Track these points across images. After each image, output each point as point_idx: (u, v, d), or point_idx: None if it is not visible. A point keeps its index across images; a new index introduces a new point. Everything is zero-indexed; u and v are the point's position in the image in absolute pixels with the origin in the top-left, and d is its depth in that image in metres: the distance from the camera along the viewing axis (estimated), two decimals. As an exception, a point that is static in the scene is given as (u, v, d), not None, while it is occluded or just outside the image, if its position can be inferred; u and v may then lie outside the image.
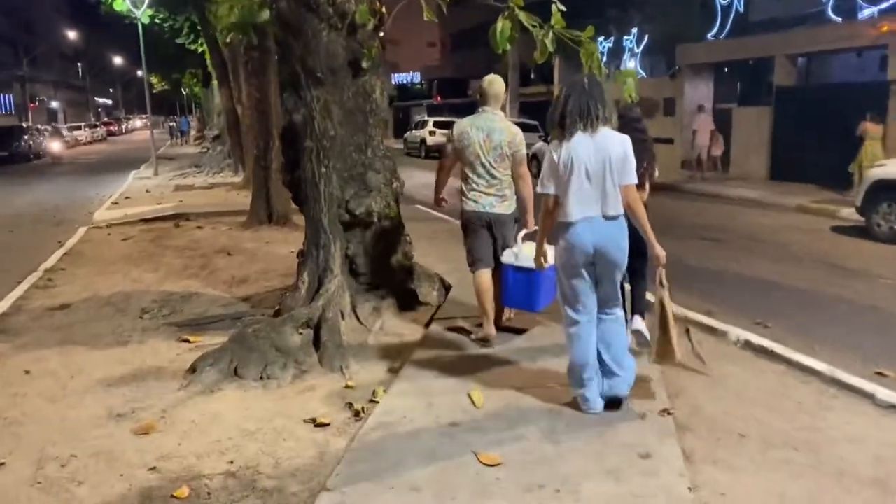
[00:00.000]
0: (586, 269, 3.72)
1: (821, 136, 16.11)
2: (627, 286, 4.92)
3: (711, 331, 5.48)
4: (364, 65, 5.45)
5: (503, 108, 5.15)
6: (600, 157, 3.61)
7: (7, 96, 50.15)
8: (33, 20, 54.04)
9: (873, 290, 7.12)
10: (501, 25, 5.05)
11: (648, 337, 4.68)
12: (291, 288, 5.71)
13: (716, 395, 4.31)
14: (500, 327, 5.21)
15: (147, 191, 16.47)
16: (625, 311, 4.09)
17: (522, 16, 5.11)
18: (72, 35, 58.89)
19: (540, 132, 22.64)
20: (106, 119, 68.42)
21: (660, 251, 3.86)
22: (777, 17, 20.03)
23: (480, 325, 5.16)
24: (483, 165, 4.88)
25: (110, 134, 59.26)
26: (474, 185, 4.92)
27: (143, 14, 19.44)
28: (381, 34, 5.65)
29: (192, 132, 43.67)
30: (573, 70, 28.61)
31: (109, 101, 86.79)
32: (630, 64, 25.09)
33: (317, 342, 5.03)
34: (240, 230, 10.38)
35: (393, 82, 60.00)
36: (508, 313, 5.46)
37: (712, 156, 18.63)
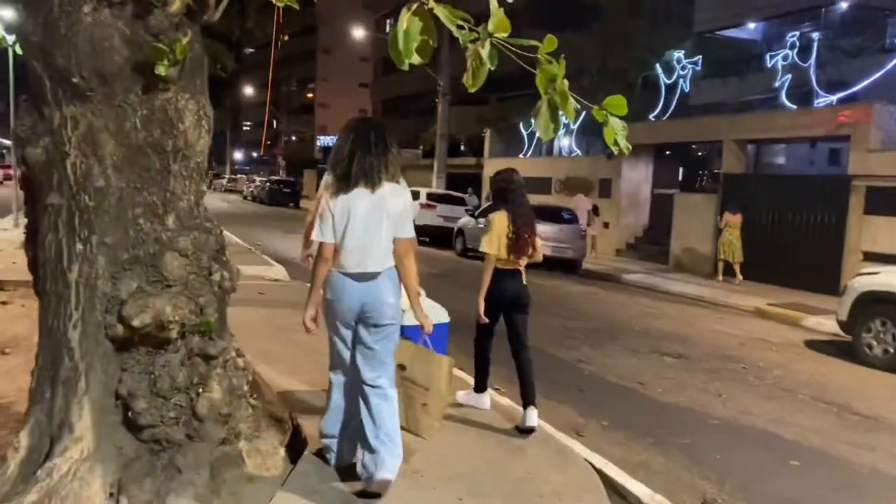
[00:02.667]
0: (350, 327, 3.58)
1: (773, 229, 14.64)
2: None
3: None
4: (161, 71, 3.10)
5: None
6: (378, 209, 3.50)
7: None
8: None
9: (920, 459, 5.05)
10: (407, 24, 2.87)
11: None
12: None
13: None
14: None
15: (-3, 248, 13.52)
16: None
17: (442, 11, 2.93)
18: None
19: (467, 206, 20.67)
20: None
21: (428, 323, 3.81)
22: (722, 101, 18.94)
23: None
24: None
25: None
26: None
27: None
28: (205, 24, 3.35)
29: None
30: (504, 144, 27.30)
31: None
32: (565, 142, 23.69)
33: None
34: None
35: (318, 144, 57.94)
36: None
37: (591, 236, 17.48)
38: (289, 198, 38.94)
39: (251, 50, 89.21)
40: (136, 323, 3.25)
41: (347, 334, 3.60)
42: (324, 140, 55.44)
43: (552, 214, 16.24)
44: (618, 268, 16.66)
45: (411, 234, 3.58)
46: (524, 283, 4.80)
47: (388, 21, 48.31)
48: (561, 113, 3.15)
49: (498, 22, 2.90)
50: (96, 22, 3.03)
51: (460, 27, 2.94)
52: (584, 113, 17.83)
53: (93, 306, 3.24)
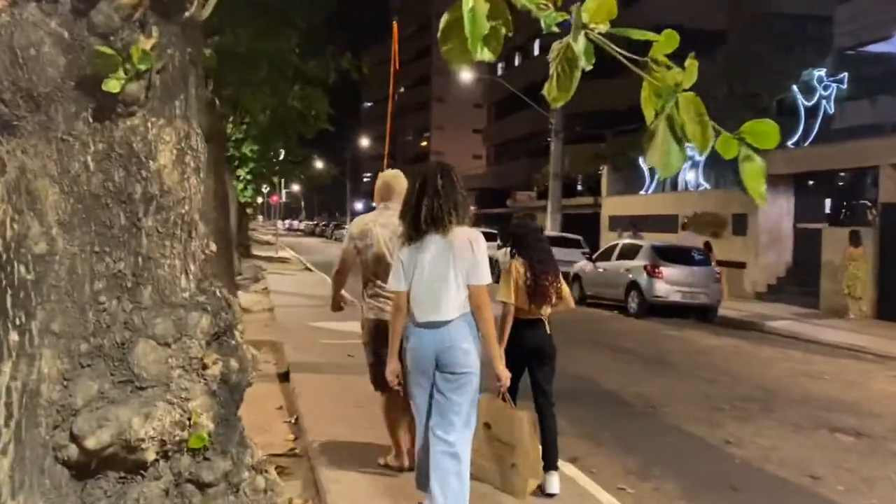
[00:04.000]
0: (428, 376, 3.43)
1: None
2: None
3: None
4: (112, 87, 2.20)
5: None
6: (446, 255, 3.40)
7: None
8: None
9: None
10: (472, 4, 1.89)
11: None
12: None
13: None
14: None
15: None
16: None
17: (517, -14, 1.91)
18: None
19: (584, 248, 19.31)
20: None
21: (504, 372, 3.64)
22: (873, 123, 16.78)
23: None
24: (387, 268, 4.03)
25: None
26: (378, 291, 4.30)
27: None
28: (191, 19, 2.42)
29: None
30: (623, 181, 25.79)
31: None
32: (690, 176, 21.90)
33: None
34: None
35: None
36: None
37: None
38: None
39: (370, 104, 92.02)
40: (89, 444, 2.31)
41: (426, 384, 3.47)
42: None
43: (681, 255, 14.65)
44: (759, 313, 14.75)
45: (486, 279, 3.43)
46: (548, 333, 4.52)
47: (499, 65, 48.17)
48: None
49: (599, 4, 1.88)
50: (17, 21, 2.15)
51: (543, 6, 1.94)
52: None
53: (34, 420, 2.31)
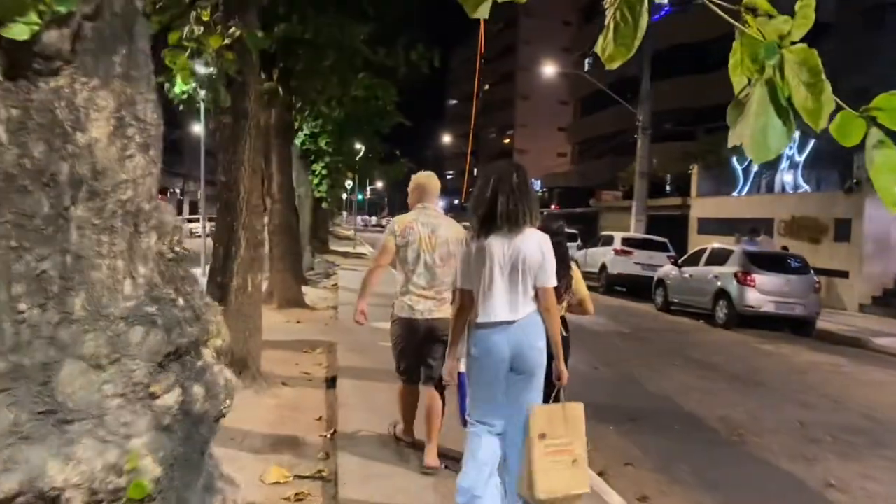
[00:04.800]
0: (501, 374, 3.38)
1: None
2: None
3: None
4: (17, 34, 1.69)
5: None
6: (515, 256, 3.39)
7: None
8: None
9: None
10: None
11: None
12: None
13: None
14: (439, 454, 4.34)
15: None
16: None
17: None
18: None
19: (670, 251, 18.19)
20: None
21: (565, 372, 3.54)
22: None
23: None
24: (426, 264, 4.42)
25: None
26: (412, 288, 4.42)
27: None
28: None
29: None
30: (714, 181, 24.27)
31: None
32: (788, 177, 20.40)
33: None
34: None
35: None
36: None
37: None
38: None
39: (454, 101, 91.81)
40: (-10, 494, 1.81)
41: (500, 385, 3.40)
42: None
43: (776, 262, 13.47)
44: (864, 328, 13.42)
45: (553, 282, 3.44)
46: (564, 333, 4.18)
47: (586, 60, 46.94)
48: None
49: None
50: None
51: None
52: (811, 142, 14.68)
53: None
